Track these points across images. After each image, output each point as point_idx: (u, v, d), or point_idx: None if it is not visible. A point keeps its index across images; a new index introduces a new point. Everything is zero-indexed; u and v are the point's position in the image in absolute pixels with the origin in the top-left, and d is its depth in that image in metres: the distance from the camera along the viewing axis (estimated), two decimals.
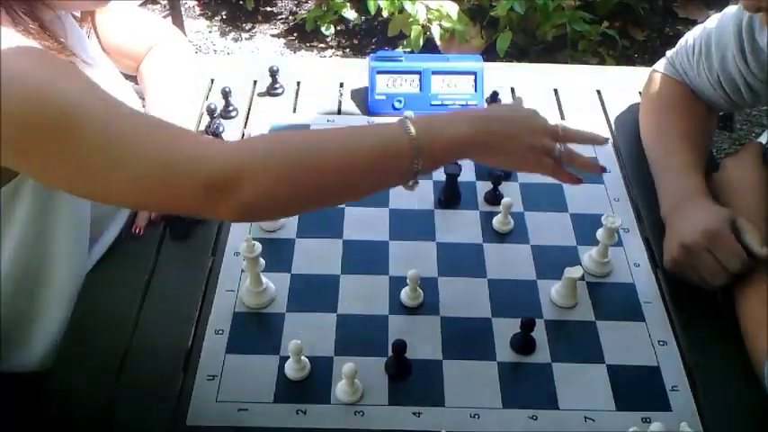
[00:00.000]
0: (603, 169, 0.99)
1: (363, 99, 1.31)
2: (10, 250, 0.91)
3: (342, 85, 1.36)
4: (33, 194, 0.89)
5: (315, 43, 2.92)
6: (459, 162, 1.10)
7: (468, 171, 1.18)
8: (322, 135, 0.87)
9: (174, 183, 0.77)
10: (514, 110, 0.94)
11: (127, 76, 1.24)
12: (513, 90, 1.36)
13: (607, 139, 1.00)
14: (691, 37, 1.17)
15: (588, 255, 1.04)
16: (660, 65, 1.24)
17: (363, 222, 1.09)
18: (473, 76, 1.28)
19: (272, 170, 0.78)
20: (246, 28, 3.03)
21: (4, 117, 0.72)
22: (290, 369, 0.89)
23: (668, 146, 1.13)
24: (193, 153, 0.78)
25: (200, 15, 3.11)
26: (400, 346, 0.88)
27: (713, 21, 1.13)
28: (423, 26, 2.45)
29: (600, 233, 1.01)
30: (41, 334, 0.96)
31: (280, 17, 3.08)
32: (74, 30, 1.01)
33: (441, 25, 2.46)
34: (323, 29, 2.74)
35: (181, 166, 0.77)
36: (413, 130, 0.81)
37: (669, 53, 1.22)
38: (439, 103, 1.27)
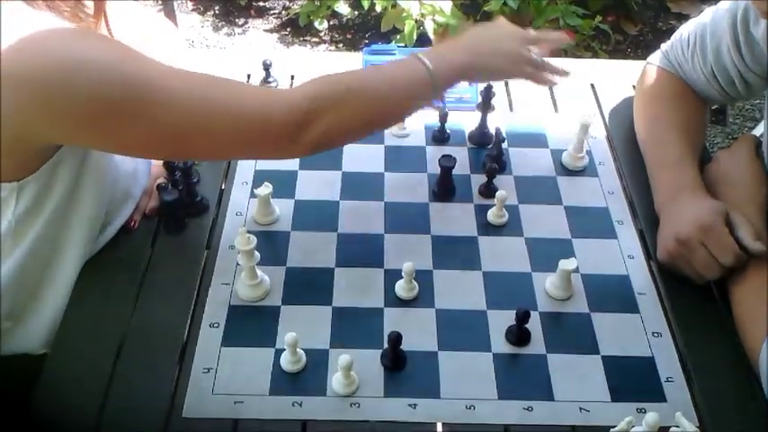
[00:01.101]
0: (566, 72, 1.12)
1: None
2: (32, 237, 0.91)
3: None
4: (64, 187, 0.91)
5: (308, 38, 2.92)
6: (453, 155, 1.10)
7: (462, 164, 1.18)
8: (367, 79, 1.00)
9: (271, 127, 0.89)
10: (496, 27, 1.10)
11: None
12: (506, 83, 1.36)
13: (567, 73, 1.13)
14: (685, 30, 1.17)
15: (566, 152, 1.18)
16: (655, 57, 1.24)
17: (358, 215, 1.09)
18: None
19: (338, 111, 0.92)
20: (239, 23, 3.02)
21: (89, 101, 0.78)
22: (286, 361, 0.89)
23: (662, 138, 1.13)
24: (283, 99, 0.92)
25: (192, 10, 3.09)
26: (396, 338, 0.88)
27: (708, 14, 1.13)
28: (416, 21, 2.45)
29: (575, 132, 1.15)
30: (43, 316, 0.97)
31: (273, 12, 3.08)
32: None
33: (434, 20, 2.46)
34: (316, 24, 2.73)
35: (276, 112, 0.89)
36: (428, 62, 0.97)
37: (664, 46, 1.23)
38: None
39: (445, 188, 1.12)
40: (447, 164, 1.10)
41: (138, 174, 1.07)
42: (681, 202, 1.03)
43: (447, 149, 1.20)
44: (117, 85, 0.79)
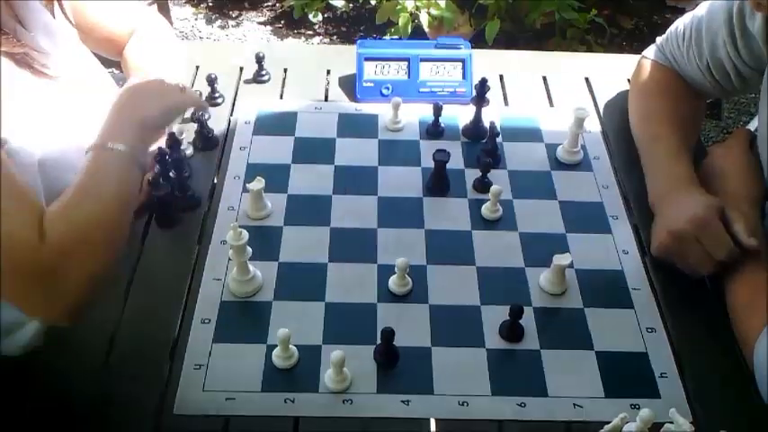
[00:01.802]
0: None
1: (351, 86, 1.30)
2: None
3: (329, 72, 1.35)
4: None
5: (302, 30, 2.90)
6: (447, 150, 1.10)
7: (456, 159, 1.17)
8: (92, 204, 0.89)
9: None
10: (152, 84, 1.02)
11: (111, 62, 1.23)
12: (501, 77, 1.35)
13: None
14: (681, 23, 1.17)
15: (561, 147, 1.17)
16: (650, 51, 1.23)
17: (351, 210, 1.08)
18: (461, 63, 1.27)
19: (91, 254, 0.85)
20: (233, 15, 3.00)
21: None
22: (278, 358, 0.88)
23: (656, 132, 1.13)
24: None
25: (186, 2, 3.07)
26: (389, 334, 0.87)
27: (704, 7, 1.12)
28: (411, 14, 2.44)
29: (570, 125, 1.14)
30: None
31: (267, 4, 3.06)
32: (35, 10, 1.00)
33: (429, 13, 2.45)
34: (310, 16, 2.72)
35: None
36: (119, 146, 0.90)
37: (659, 40, 1.22)
38: (427, 90, 1.27)
39: (440, 183, 1.11)
40: (441, 158, 1.09)
41: None
42: (675, 196, 1.02)
43: (441, 144, 1.20)
44: None
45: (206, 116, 1.16)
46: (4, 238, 0.81)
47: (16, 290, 0.84)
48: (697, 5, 1.16)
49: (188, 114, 1.21)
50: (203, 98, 1.18)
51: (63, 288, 0.84)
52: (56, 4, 1.05)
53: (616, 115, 1.28)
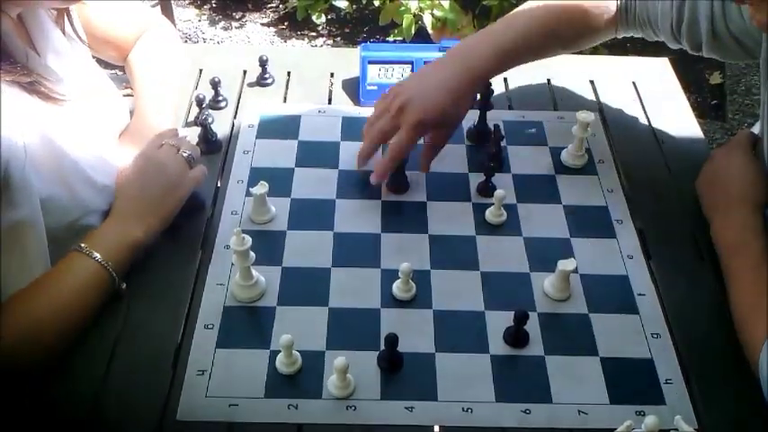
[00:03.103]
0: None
1: (354, 89, 1.29)
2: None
3: (332, 75, 1.35)
4: None
5: (306, 32, 2.90)
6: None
7: (460, 163, 1.17)
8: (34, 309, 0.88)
9: None
10: (143, 182, 1.01)
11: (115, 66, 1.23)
12: (505, 80, 1.35)
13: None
14: None
15: (565, 150, 1.17)
16: None
17: (355, 215, 1.08)
18: None
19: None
20: (236, 17, 3.00)
21: None
22: (282, 363, 0.88)
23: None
24: None
25: (189, 4, 3.08)
26: (393, 340, 0.87)
27: None
28: (414, 15, 2.43)
29: (574, 129, 1.13)
30: None
31: (270, 6, 3.06)
32: (44, 30, 1.00)
33: (432, 14, 2.44)
34: (314, 17, 2.71)
35: None
36: (97, 255, 0.91)
37: None
38: None
39: (397, 182, 1.11)
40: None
41: (88, 200, 0.99)
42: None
43: (445, 147, 1.19)
44: None
45: (210, 120, 1.16)
46: None
47: None
48: None
49: (192, 117, 1.21)
50: (206, 102, 1.18)
51: (16, 372, 0.85)
52: (66, 20, 1.05)
53: (621, 118, 1.28)
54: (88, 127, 1.02)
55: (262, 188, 1.03)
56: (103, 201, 1.01)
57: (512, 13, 1.17)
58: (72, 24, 1.07)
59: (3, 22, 0.89)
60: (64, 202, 0.94)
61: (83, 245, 0.92)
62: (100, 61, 1.20)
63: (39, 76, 0.93)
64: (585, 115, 1.14)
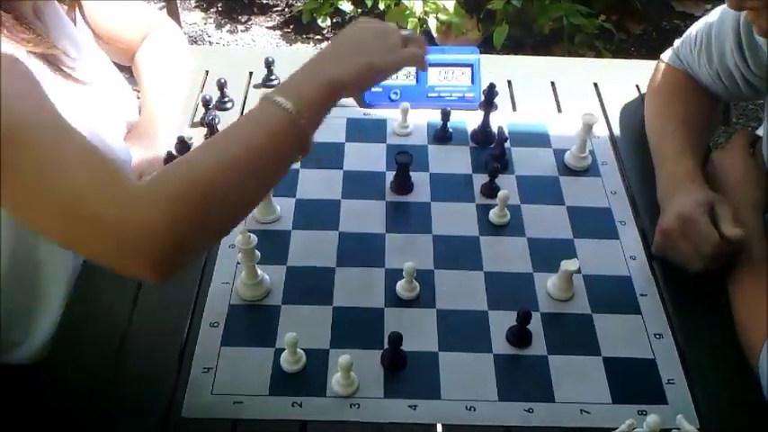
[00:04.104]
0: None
1: None
2: (11, 244, 0.91)
3: None
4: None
5: (311, 35, 2.92)
6: (409, 152, 1.11)
7: (464, 164, 1.17)
8: (225, 162, 0.77)
9: (90, 228, 0.71)
10: (357, 28, 0.93)
11: (121, 67, 1.24)
12: (509, 83, 1.36)
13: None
14: (695, 28, 1.17)
15: (569, 152, 1.17)
16: (666, 55, 1.24)
17: (359, 214, 1.08)
18: (470, 69, 1.27)
19: (206, 212, 0.73)
20: (242, 20, 3.02)
21: None
22: (286, 361, 0.88)
23: (666, 132, 1.14)
24: (116, 201, 0.71)
25: (195, 7, 3.09)
26: (396, 339, 0.87)
27: (716, 13, 1.12)
28: (419, 19, 2.44)
29: (578, 131, 1.15)
30: (38, 326, 0.96)
31: (276, 9, 3.07)
32: (59, 19, 1.00)
33: (437, 18, 2.46)
34: (319, 21, 2.73)
35: (97, 209, 0.70)
36: (287, 103, 0.79)
37: (676, 43, 1.23)
38: (435, 95, 1.27)
39: (403, 184, 1.12)
40: (404, 161, 1.10)
41: None
42: (674, 194, 1.03)
43: (449, 148, 1.20)
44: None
45: (216, 120, 1.17)
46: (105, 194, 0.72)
47: (113, 247, 0.73)
48: (706, 10, 1.16)
49: (198, 118, 1.22)
50: (213, 103, 1.19)
51: (165, 245, 0.72)
52: (77, 11, 1.06)
53: (625, 120, 1.28)
54: (103, 114, 1.03)
55: None
56: None
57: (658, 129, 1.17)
58: (83, 15, 1.08)
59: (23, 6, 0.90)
60: None
61: (272, 94, 0.80)
62: None
63: (59, 51, 0.94)
64: (589, 117, 1.14)
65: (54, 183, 0.70)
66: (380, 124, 1.24)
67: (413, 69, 1.28)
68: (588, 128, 1.15)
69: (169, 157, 1.04)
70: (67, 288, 0.97)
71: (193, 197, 0.73)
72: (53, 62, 0.94)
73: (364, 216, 1.08)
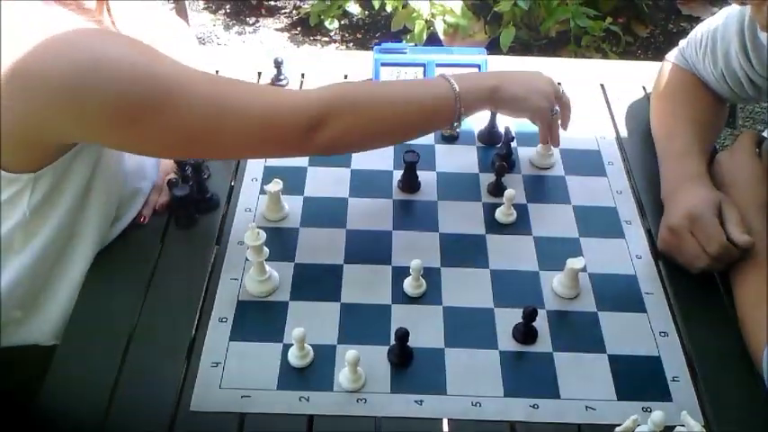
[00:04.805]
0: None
1: None
2: (47, 229, 0.93)
3: (346, 77, 1.37)
4: (79, 179, 0.92)
5: (318, 37, 2.93)
6: (416, 151, 1.12)
7: (471, 163, 1.18)
8: (387, 89, 1.05)
9: (281, 127, 0.92)
10: (530, 72, 1.11)
11: None
12: None
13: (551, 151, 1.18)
14: (700, 30, 1.18)
15: (535, 150, 1.19)
16: (672, 55, 1.25)
17: (367, 213, 1.09)
18: (477, 69, 1.28)
19: (354, 114, 0.96)
20: (250, 22, 3.03)
21: (118, 99, 0.80)
22: (294, 356, 0.89)
23: (671, 131, 1.15)
24: (293, 101, 0.94)
25: (204, 9, 3.11)
26: (403, 335, 0.88)
27: (721, 15, 1.13)
28: (426, 21, 2.45)
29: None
30: (54, 308, 0.98)
31: (284, 11, 3.09)
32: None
33: (444, 20, 2.46)
34: (327, 23, 2.74)
35: (286, 113, 0.92)
36: (456, 85, 1.00)
37: (681, 43, 1.23)
38: None
39: (410, 182, 1.13)
40: (411, 159, 1.11)
41: (147, 169, 1.08)
42: (680, 192, 1.04)
43: (456, 148, 1.21)
44: (146, 85, 0.82)
45: None
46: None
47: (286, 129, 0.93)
48: (712, 14, 1.16)
49: None
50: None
51: (323, 134, 0.94)
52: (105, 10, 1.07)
53: (631, 121, 1.29)
54: None
55: (276, 186, 1.05)
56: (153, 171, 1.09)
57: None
58: (110, 14, 1.08)
59: None
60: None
61: (450, 77, 1.02)
62: None
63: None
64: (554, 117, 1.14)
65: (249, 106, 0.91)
66: None
67: (420, 69, 1.29)
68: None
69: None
70: (88, 263, 0.99)
71: (349, 110, 0.96)
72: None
73: (372, 214, 1.09)
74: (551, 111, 1.09)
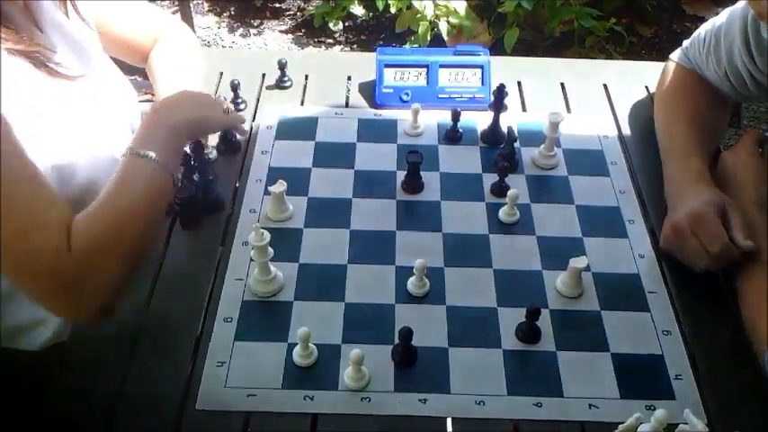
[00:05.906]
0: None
1: (371, 92, 1.32)
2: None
3: (349, 78, 1.37)
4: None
5: (323, 39, 2.93)
6: (419, 152, 1.12)
7: (474, 163, 1.19)
8: (110, 207, 0.91)
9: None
10: (195, 93, 1.09)
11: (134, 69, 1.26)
12: (519, 84, 1.37)
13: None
14: (703, 29, 1.18)
15: (537, 151, 1.18)
16: (675, 54, 1.25)
17: (370, 213, 1.10)
18: (480, 70, 1.29)
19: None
20: (255, 24, 3.04)
21: None
22: (298, 356, 0.90)
23: (674, 131, 1.15)
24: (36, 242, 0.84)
25: (208, 11, 3.12)
26: (407, 334, 0.89)
27: (724, 15, 1.14)
28: (430, 22, 2.46)
29: (545, 129, 1.16)
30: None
31: (288, 13, 3.09)
32: (49, 12, 1.03)
33: (448, 21, 2.47)
34: (330, 25, 2.74)
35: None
36: (150, 153, 0.93)
37: (685, 43, 1.24)
38: (446, 96, 1.28)
39: (413, 183, 1.13)
40: (415, 160, 1.11)
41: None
42: (683, 191, 1.05)
43: (459, 148, 1.22)
44: None
45: None
46: (34, 243, 0.84)
47: (43, 292, 0.87)
48: (716, 14, 1.17)
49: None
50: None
51: (88, 292, 0.87)
52: (69, 3, 1.07)
53: (634, 121, 1.29)
54: (96, 108, 1.06)
55: (280, 186, 1.06)
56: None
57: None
58: (75, 7, 1.09)
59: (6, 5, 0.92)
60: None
61: (133, 150, 0.93)
62: (120, 65, 1.23)
63: (42, 47, 0.96)
64: (555, 116, 1.15)
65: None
66: (391, 124, 1.26)
67: (423, 70, 1.29)
68: (555, 126, 1.16)
69: (184, 157, 1.06)
70: None
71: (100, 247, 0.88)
72: (36, 59, 0.96)
73: (376, 214, 1.10)
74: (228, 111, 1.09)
